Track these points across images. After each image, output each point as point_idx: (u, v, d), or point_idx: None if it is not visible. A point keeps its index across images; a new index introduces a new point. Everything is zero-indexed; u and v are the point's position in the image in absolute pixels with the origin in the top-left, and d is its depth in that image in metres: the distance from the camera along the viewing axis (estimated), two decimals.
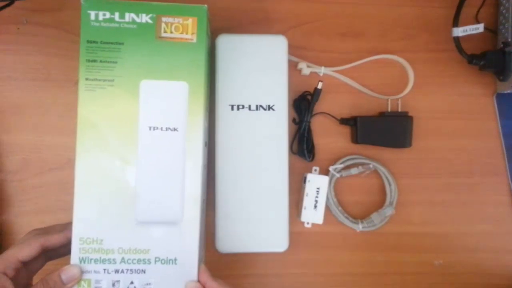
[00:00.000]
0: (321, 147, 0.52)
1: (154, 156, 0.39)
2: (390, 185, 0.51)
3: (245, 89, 0.46)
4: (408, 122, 0.51)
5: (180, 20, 0.39)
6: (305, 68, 0.51)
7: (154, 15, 0.39)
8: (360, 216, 0.52)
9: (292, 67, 0.52)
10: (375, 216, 0.51)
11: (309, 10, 0.53)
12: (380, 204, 0.52)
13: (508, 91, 0.51)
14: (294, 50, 0.51)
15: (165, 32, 0.39)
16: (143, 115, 0.39)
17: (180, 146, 0.39)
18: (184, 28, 0.39)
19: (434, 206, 0.53)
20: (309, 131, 0.51)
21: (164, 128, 0.39)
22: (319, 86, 0.50)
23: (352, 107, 0.52)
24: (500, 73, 0.51)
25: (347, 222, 0.50)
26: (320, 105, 0.52)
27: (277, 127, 0.47)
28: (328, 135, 0.52)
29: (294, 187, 0.49)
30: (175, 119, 0.39)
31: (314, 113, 0.51)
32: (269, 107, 0.47)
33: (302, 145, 0.50)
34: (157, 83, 0.39)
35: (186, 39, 0.39)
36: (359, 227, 0.50)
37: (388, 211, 0.50)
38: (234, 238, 0.46)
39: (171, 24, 0.39)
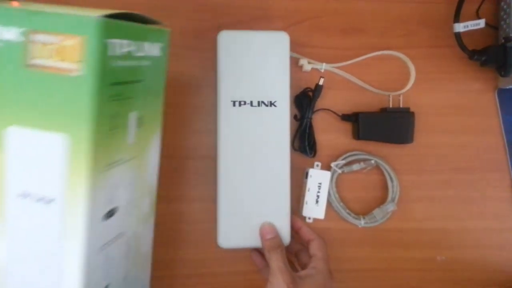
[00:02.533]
0: (323, 143, 0.52)
1: (24, 232, 0.29)
2: (392, 181, 0.51)
3: (247, 85, 0.47)
4: (409, 118, 0.51)
5: (61, 39, 0.25)
6: (306, 65, 0.51)
7: (27, 29, 0.26)
8: (362, 212, 0.52)
9: (293, 63, 0.52)
10: (377, 212, 0.51)
11: (310, 7, 0.53)
12: (382, 200, 0.52)
13: (510, 87, 0.51)
14: (295, 47, 0.51)
15: (35, 57, 0.26)
16: (11, 177, 0.28)
17: (55, 223, 0.28)
18: (66, 52, 0.26)
19: (436, 202, 0.53)
20: (311, 127, 0.51)
21: (36, 198, 0.28)
22: (321, 82, 0.50)
23: (354, 103, 0.53)
24: (501, 69, 0.51)
25: (349, 218, 0.50)
26: (322, 101, 0.52)
27: (279, 123, 0.47)
28: (329, 131, 0.52)
29: (295, 183, 0.49)
30: (49, 185, 0.28)
31: (315, 109, 0.51)
32: (271, 103, 0.47)
33: (304, 141, 0.50)
34: (28, 133, 0.27)
35: (66, 70, 0.26)
36: (361, 223, 0.50)
37: (390, 207, 0.50)
38: (236, 233, 0.46)
39: (45, 45, 0.26)
